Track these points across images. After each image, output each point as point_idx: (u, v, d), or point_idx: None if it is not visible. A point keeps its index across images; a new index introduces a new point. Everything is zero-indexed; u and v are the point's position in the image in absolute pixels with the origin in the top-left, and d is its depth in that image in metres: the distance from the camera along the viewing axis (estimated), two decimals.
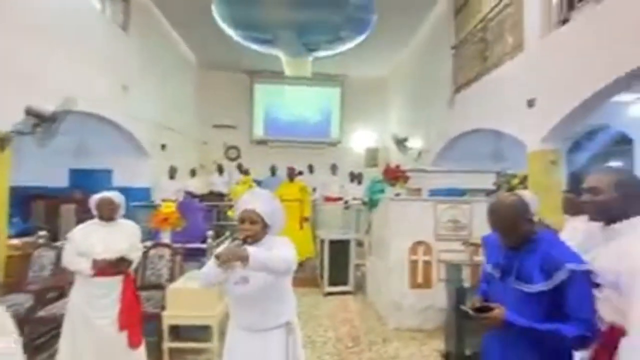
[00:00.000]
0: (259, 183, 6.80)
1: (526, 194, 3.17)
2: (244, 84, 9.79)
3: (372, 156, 9.88)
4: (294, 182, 5.70)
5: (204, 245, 3.65)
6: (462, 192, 3.96)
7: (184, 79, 8.55)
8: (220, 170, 7.98)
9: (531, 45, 3.95)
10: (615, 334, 1.18)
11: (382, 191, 4.30)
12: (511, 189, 3.89)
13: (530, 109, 3.85)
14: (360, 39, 7.19)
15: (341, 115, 10.00)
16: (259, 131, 9.96)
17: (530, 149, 3.90)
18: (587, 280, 1.19)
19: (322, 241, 4.78)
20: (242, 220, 1.51)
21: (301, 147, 9.70)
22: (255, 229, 1.49)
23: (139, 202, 5.80)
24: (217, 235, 4.26)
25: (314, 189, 6.40)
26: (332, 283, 4.60)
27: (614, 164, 5.30)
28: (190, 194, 6.29)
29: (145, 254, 3.20)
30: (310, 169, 7.91)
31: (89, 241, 2.19)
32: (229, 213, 5.29)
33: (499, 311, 1.25)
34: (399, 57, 8.72)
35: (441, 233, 3.62)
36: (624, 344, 1.13)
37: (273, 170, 8.07)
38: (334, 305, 4.17)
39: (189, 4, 6.52)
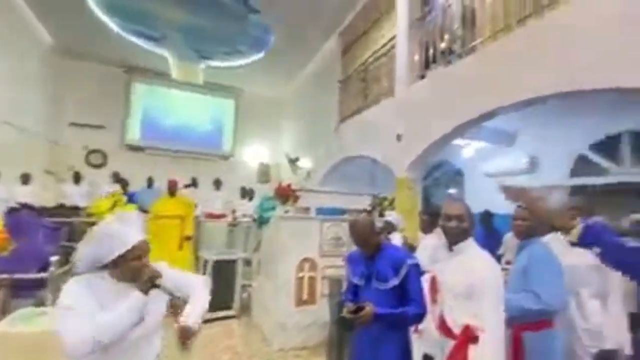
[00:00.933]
0: (130, 196, 5.84)
1: (393, 214, 3.69)
2: (118, 79, 8.43)
3: (264, 172, 9.86)
4: (175, 197, 5.12)
5: (43, 275, 2.84)
6: (343, 212, 4.33)
7: (30, 61, 6.76)
8: (76, 178, 6.52)
9: (399, 91, 4.76)
10: (469, 334, 1.49)
11: (273, 208, 4.30)
12: (383, 210, 4.50)
13: (399, 142, 4.59)
14: (257, 56, 7.27)
15: (235, 128, 9.69)
16: (134, 135, 8.66)
17: (398, 176, 4.62)
18: (419, 270, 1.66)
19: (206, 262, 4.41)
20: (139, 257, 1.28)
21: (186, 158, 8.89)
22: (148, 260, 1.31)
23: None
24: (67, 261, 3.40)
25: (196, 205, 5.85)
26: (214, 308, 4.25)
27: (452, 191, 6.79)
28: (25, 206, 4.87)
29: None
30: (194, 182, 7.24)
31: None
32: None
33: (369, 308, 1.53)
34: (294, 82, 9.17)
35: (325, 249, 3.85)
36: (481, 337, 1.44)
37: (150, 181, 7.10)
38: (215, 333, 3.84)
39: None
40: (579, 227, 1.97)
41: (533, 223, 1.83)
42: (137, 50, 7.09)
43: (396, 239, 3.16)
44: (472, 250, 1.59)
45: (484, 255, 1.56)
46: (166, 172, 6.16)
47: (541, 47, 2.86)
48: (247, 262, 4.94)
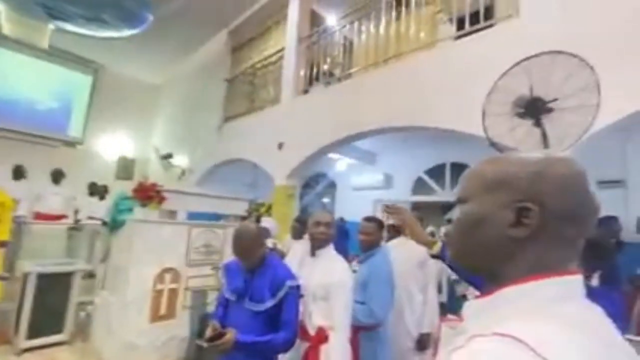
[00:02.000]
0: None
1: (269, 221, 3.73)
2: None
3: (126, 167, 8.42)
4: None
5: None
6: (218, 217, 4.11)
7: None
8: None
9: (285, 101, 4.90)
10: (322, 334, 1.59)
11: (130, 210, 3.70)
12: (259, 215, 4.49)
13: (280, 151, 4.70)
14: (129, 32, 6.24)
15: (88, 110, 7.93)
16: None
17: (277, 183, 4.71)
18: (298, 293, 1.54)
19: (26, 276, 3.41)
20: None
21: (13, 139, 6.80)
22: None
23: None
24: None
25: (17, 202, 4.45)
26: (36, 334, 3.32)
27: (326, 200, 7.39)
28: None
29: None
30: (19, 172, 5.47)
31: None
32: None
33: (229, 336, 1.38)
34: (175, 70, 8.26)
35: (193, 258, 3.54)
36: (331, 339, 1.55)
37: None
38: None
39: None
40: (439, 244, 2.37)
41: (376, 237, 2.10)
42: None
43: (268, 244, 3.19)
44: (330, 255, 1.74)
45: (340, 260, 1.73)
46: None
47: (394, 84, 3.46)
48: (90, 275, 4.08)
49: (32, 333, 3.31)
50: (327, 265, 1.69)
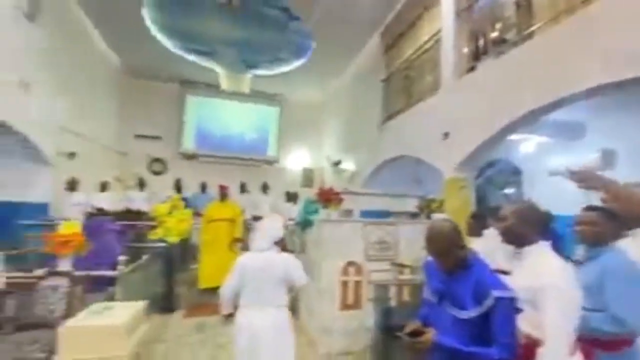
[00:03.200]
0: (186, 200, 6.30)
1: (442, 217, 3.49)
2: (174, 93, 9.18)
3: (307, 176, 10.03)
4: (226, 202, 5.41)
5: (113, 273, 3.17)
6: (388, 214, 4.21)
7: (103, 83, 7.67)
8: (141, 184, 7.20)
9: (446, 86, 4.51)
10: (532, 345, 1.34)
11: (316, 212, 4.32)
12: (431, 212, 4.28)
13: (445, 140, 4.34)
14: (298, 62, 7.41)
15: (279, 134, 9.99)
16: (189, 144, 9.35)
17: (446, 176, 4.37)
18: (510, 306, 1.27)
19: None
20: None
21: (234, 164, 9.37)
22: None
23: (33, 220, 4.86)
24: (133, 260, 3.75)
25: (243, 210, 6.13)
26: None
27: (509, 191, 6.24)
28: (100, 211, 5.49)
29: (32, 286, 2.64)
30: (243, 187, 7.58)
31: None
32: (151, 235, 4.73)
33: (429, 335, 1.32)
34: (336, 84, 9.19)
35: (371, 253, 3.76)
36: (541, 351, 1.29)
37: (203, 187, 7.60)
38: None
39: (115, 3, 5.98)
40: None
41: (605, 229, 1.57)
42: (190, 66, 7.64)
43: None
44: (540, 252, 1.41)
45: (554, 257, 1.38)
46: (217, 178, 6.53)
47: (610, 28, 2.51)
48: None
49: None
50: (536, 264, 1.38)
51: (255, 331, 2.16)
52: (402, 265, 3.58)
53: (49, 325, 2.50)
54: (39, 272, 2.87)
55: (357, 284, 3.65)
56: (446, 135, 4.33)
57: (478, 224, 2.98)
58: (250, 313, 2.22)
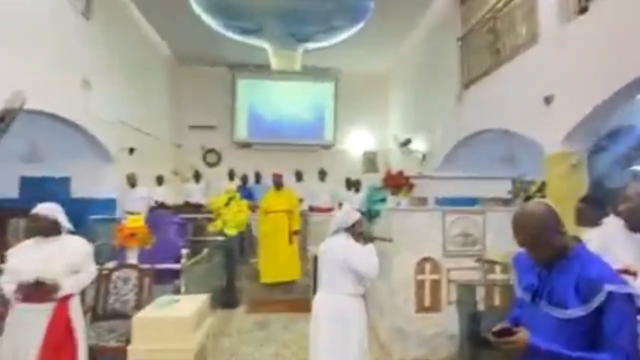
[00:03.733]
0: (245, 190, 6.72)
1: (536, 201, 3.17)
2: (225, 78, 9.73)
3: (370, 161, 9.89)
4: (281, 191, 5.62)
5: (177, 266, 3.53)
6: (473, 201, 3.94)
7: (155, 74, 8.46)
8: (197, 177, 7.85)
9: (547, 37, 3.99)
10: None
11: (382, 200, 4.26)
12: (528, 197, 3.90)
13: (548, 106, 3.87)
14: (355, 28, 7.24)
15: (335, 114, 9.97)
16: (242, 132, 9.89)
17: (549, 152, 3.92)
18: (628, 304, 1.16)
19: (316, 257, 4.70)
20: None
21: (288, 150, 9.63)
22: None
23: (101, 214, 5.65)
24: (194, 254, 4.15)
25: (301, 200, 6.31)
26: None
27: (638, 168, 5.38)
28: (161, 205, 6.15)
29: (107, 277, 3.08)
30: (299, 175, 7.71)
31: (21, 260, 2.18)
32: (210, 227, 5.17)
33: (521, 335, 1.23)
34: (400, 51, 8.80)
35: (450, 249, 3.59)
36: None
37: (257, 177, 7.99)
38: None
39: None
40: None
41: None
42: (238, 46, 8.01)
43: None
44: None
45: None
46: (270, 167, 6.80)
47: None
48: None
49: None
50: None
51: (316, 316, 2.40)
52: (492, 262, 3.35)
53: (123, 315, 2.91)
54: (110, 264, 3.34)
55: (435, 283, 3.53)
56: (548, 99, 3.86)
57: (592, 210, 2.63)
58: (316, 297, 2.50)
